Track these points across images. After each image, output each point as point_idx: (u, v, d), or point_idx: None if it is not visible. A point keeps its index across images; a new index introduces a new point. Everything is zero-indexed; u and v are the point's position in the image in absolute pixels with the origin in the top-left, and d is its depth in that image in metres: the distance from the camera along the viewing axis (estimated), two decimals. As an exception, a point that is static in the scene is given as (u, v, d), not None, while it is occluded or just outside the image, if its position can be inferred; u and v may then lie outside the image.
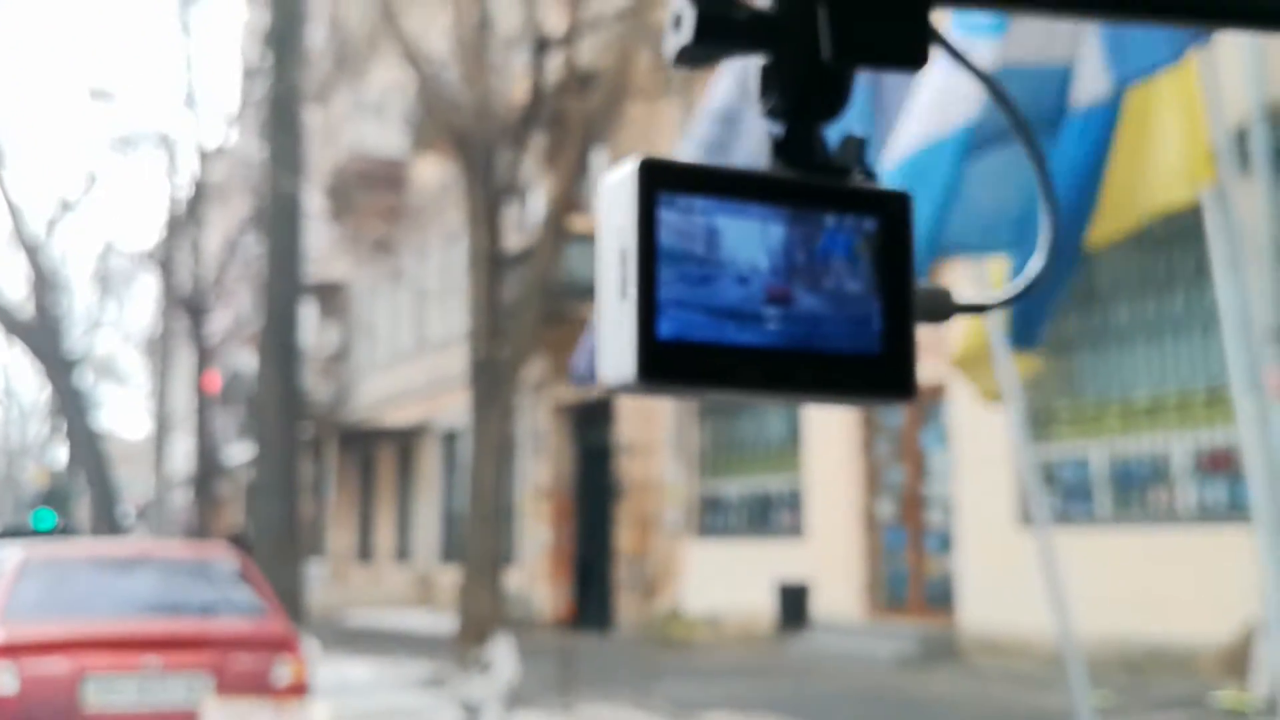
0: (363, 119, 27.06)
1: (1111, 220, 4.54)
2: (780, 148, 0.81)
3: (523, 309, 13.05)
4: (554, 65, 13.09)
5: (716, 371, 0.74)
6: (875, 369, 0.78)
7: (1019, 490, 11.08)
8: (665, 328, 0.73)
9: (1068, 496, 11.09)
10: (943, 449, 12.45)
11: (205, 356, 24.16)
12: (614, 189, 0.75)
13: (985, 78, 0.87)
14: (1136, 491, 10.64)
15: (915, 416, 12.85)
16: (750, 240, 0.76)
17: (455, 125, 13.33)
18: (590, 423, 18.47)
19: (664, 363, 0.73)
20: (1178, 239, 9.44)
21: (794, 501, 14.63)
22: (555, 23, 13.19)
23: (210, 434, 24.78)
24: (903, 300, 0.79)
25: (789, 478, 14.72)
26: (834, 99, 0.81)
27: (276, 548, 17.79)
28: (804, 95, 0.80)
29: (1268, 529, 4.51)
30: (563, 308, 15.98)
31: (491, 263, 13.15)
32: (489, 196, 13.21)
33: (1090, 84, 4.13)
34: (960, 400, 11.72)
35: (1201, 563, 9.55)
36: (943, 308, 0.84)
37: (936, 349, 11.84)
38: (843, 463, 13.48)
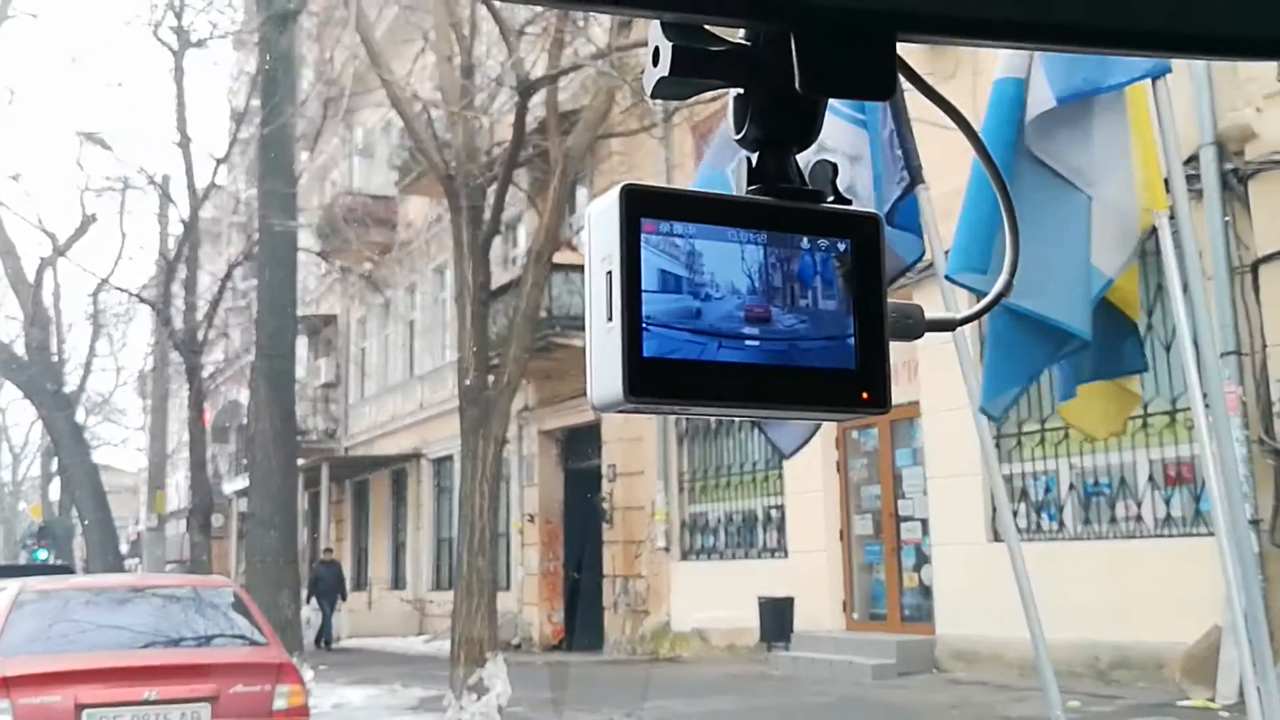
0: (351, 158, 27.43)
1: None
2: (755, 174, 0.82)
3: (510, 340, 13.36)
4: (536, 104, 13.43)
5: (701, 389, 0.76)
6: (852, 384, 0.80)
7: (991, 506, 11.41)
8: (650, 347, 0.75)
9: (1037, 511, 11.41)
10: (917, 468, 12.75)
11: (199, 391, 24.37)
12: (599, 216, 0.77)
13: (949, 105, 0.90)
14: (1103, 505, 10.93)
15: (889, 437, 13.18)
16: (730, 262, 0.77)
17: (442, 164, 13.67)
18: (577, 449, 18.74)
19: (650, 381, 0.74)
20: (1138, 261, 9.78)
21: (776, 521, 14.94)
22: (537, 63, 13.55)
23: (205, 467, 24.96)
24: (876, 318, 0.81)
25: (770, 499, 15.03)
26: (806, 128, 0.83)
27: (276, 577, 18.01)
28: (777, 125, 0.83)
29: (1228, 538, 4.76)
30: (549, 338, 16.32)
31: (479, 295, 13.46)
32: (476, 232, 13.53)
33: (1038, 100, 4.21)
34: (932, 420, 12.06)
35: (1166, 572, 9.71)
36: (914, 325, 0.87)
37: (910, 371, 12.24)
38: (821, 483, 13.79)
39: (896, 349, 0.85)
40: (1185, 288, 4.69)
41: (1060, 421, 11.10)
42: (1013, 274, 0.89)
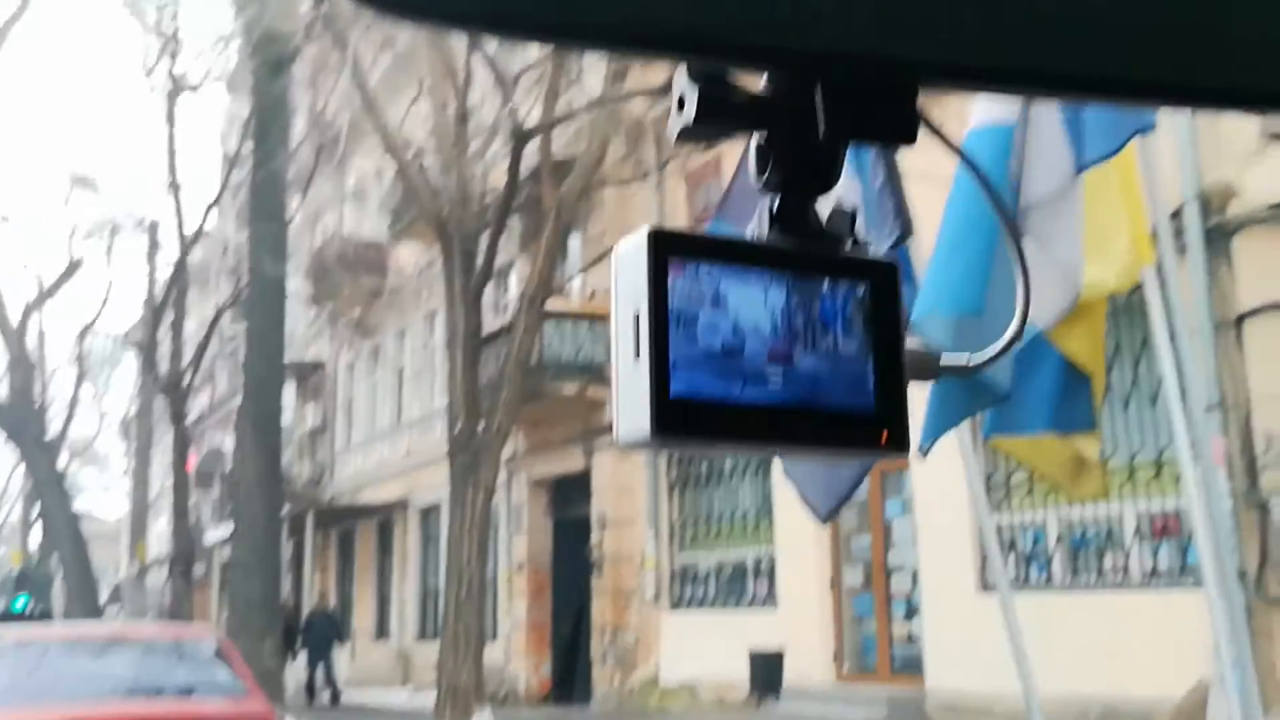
0: (344, 203, 27.54)
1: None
2: (777, 219, 0.84)
3: (501, 386, 13.39)
4: (530, 152, 13.56)
5: (725, 427, 0.77)
6: (871, 425, 0.81)
7: (980, 557, 11.43)
8: (677, 386, 0.76)
9: (1026, 562, 11.43)
10: (906, 518, 12.76)
11: (184, 436, 24.29)
12: (627, 257, 0.78)
13: (962, 154, 0.93)
14: (1091, 556, 10.96)
15: (879, 487, 13.21)
16: (753, 304, 0.79)
17: (435, 211, 13.76)
18: (567, 497, 18.68)
19: (677, 419, 0.76)
20: (1123, 313, 9.87)
21: (766, 572, 14.91)
22: (532, 111, 13.69)
23: (188, 514, 24.83)
24: (894, 360, 0.83)
25: (761, 549, 15.01)
26: (826, 175, 0.85)
27: (258, 627, 17.87)
28: (798, 171, 0.84)
29: (1216, 590, 4.79)
30: (540, 385, 16.34)
31: (470, 341, 13.51)
32: (468, 278, 13.60)
33: (1057, 166, 4.26)
34: (922, 471, 12.09)
35: (1155, 624, 9.71)
36: (930, 367, 0.89)
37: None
38: (812, 533, 13.73)
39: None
40: (1172, 338, 4.77)
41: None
42: (1024, 320, 0.91)
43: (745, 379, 0.78)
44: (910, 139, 0.84)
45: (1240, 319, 9.28)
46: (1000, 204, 0.96)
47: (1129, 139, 4.40)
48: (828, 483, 5.21)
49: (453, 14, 0.73)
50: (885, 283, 0.84)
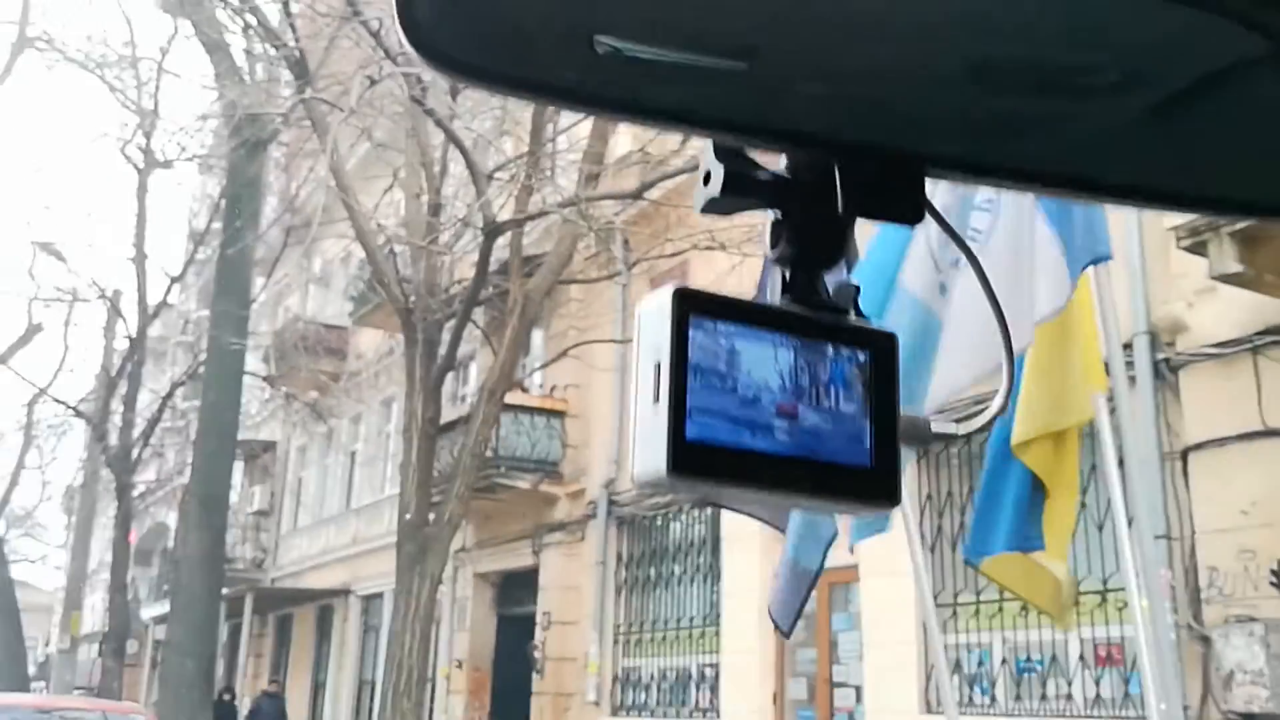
0: (307, 286, 27.59)
1: (1026, 425, 4.72)
2: (789, 288, 0.90)
3: (455, 477, 13.34)
4: (500, 246, 13.70)
5: (734, 472, 0.82)
6: (866, 480, 0.87)
7: (925, 677, 11.42)
8: (693, 430, 0.81)
9: (970, 684, 11.41)
10: (853, 633, 12.73)
11: (128, 510, 23.93)
12: (653, 311, 0.84)
13: (957, 236, 1.01)
14: (1035, 682, 10.97)
15: (827, 600, 13.19)
16: (764, 362, 0.84)
17: (401, 298, 13.83)
18: (513, 594, 18.49)
19: (691, 462, 0.81)
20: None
21: (710, 681, 14.77)
22: (505, 206, 13.85)
23: (126, 588, 24.36)
24: (889, 422, 0.88)
25: (706, 657, 14.89)
26: (835, 251, 0.92)
27: (189, 709, 17.48)
28: (810, 246, 0.91)
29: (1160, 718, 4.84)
30: (493, 478, 16.29)
31: (427, 429, 13.49)
32: (430, 366, 13.63)
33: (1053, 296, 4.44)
34: (870, 586, 12.12)
35: None
36: (922, 434, 0.94)
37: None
38: (757, 644, 13.69)
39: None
40: (1121, 466, 4.87)
41: (995, 594, 11.23)
42: (1009, 394, 0.98)
43: (754, 429, 0.83)
44: (916, 219, 0.92)
45: (1186, 452, 9.45)
46: (989, 288, 1.02)
47: (1085, 267, 4.56)
48: (787, 596, 5.33)
49: (501, 78, 0.81)
50: (885, 352, 0.90)
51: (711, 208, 0.90)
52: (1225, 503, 9.03)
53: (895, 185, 0.91)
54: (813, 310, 0.89)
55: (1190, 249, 8.30)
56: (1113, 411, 4.75)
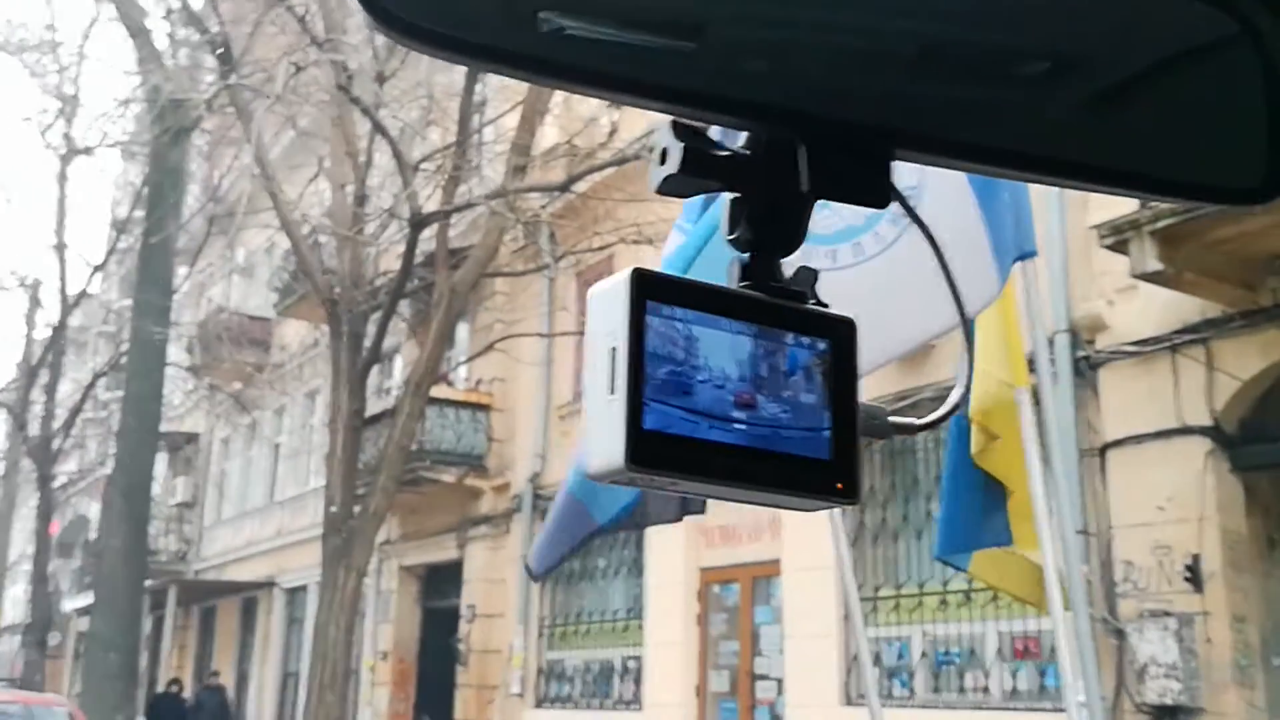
0: (231, 276, 27.21)
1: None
2: (746, 272, 0.87)
3: (380, 469, 13.22)
4: (426, 237, 13.57)
5: (694, 464, 0.79)
6: (825, 473, 0.84)
7: (845, 670, 11.51)
8: (650, 420, 0.78)
9: (889, 676, 11.51)
10: (775, 626, 12.79)
11: (49, 501, 23.48)
12: (607, 295, 0.81)
13: (921, 223, 0.97)
14: (953, 674, 11.10)
15: (750, 593, 13.26)
16: (722, 350, 0.81)
17: (325, 289, 13.67)
18: (438, 587, 18.40)
19: (649, 452, 0.78)
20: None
21: (634, 673, 14.79)
22: (431, 198, 13.73)
23: (47, 580, 23.92)
24: (849, 414, 0.86)
25: (629, 649, 14.90)
26: (793, 234, 0.89)
27: (112, 701, 17.22)
28: (768, 230, 0.88)
29: (1075, 712, 4.89)
30: (418, 471, 16.17)
31: (352, 422, 13.36)
32: (355, 359, 13.49)
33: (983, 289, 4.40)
34: (792, 580, 12.19)
35: None
36: (881, 426, 0.92)
37: (774, 530, 12.40)
38: (681, 636, 13.73)
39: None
40: (1043, 462, 4.92)
41: (914, 588, 11.36)
42: (967, 388, 0.98)
43: (712, 420, 0.80)
44: (883, 203, 0.88)
45: (1104, 449, 9.58)
46: (953, 283, 1.00)
47: (1013, 263, 4.59)
48: (554, 538, 5.22)
49: (459, 45, 0.77)
50: (844, 339, 0.87)
51: (667, 187, 0.86)
52: (1141, 499, 9.17)
53: (861, 166, 0.87)
54: (771, 295, 0.86)
55: (1112, 247, 8.41)
56: (1036, 403, 4.79)
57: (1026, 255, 4.71)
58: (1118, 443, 9.50)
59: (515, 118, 13.69)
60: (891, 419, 0.93)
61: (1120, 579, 9.32)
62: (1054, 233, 9.77)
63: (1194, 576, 8.81)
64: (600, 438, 0.78)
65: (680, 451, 0.79)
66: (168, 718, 20.06)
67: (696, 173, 0.85)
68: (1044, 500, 4.63)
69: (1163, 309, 9.16)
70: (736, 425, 0.81)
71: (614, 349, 0.78)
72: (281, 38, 14.02)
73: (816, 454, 0.84)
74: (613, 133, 13.69)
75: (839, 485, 0.85)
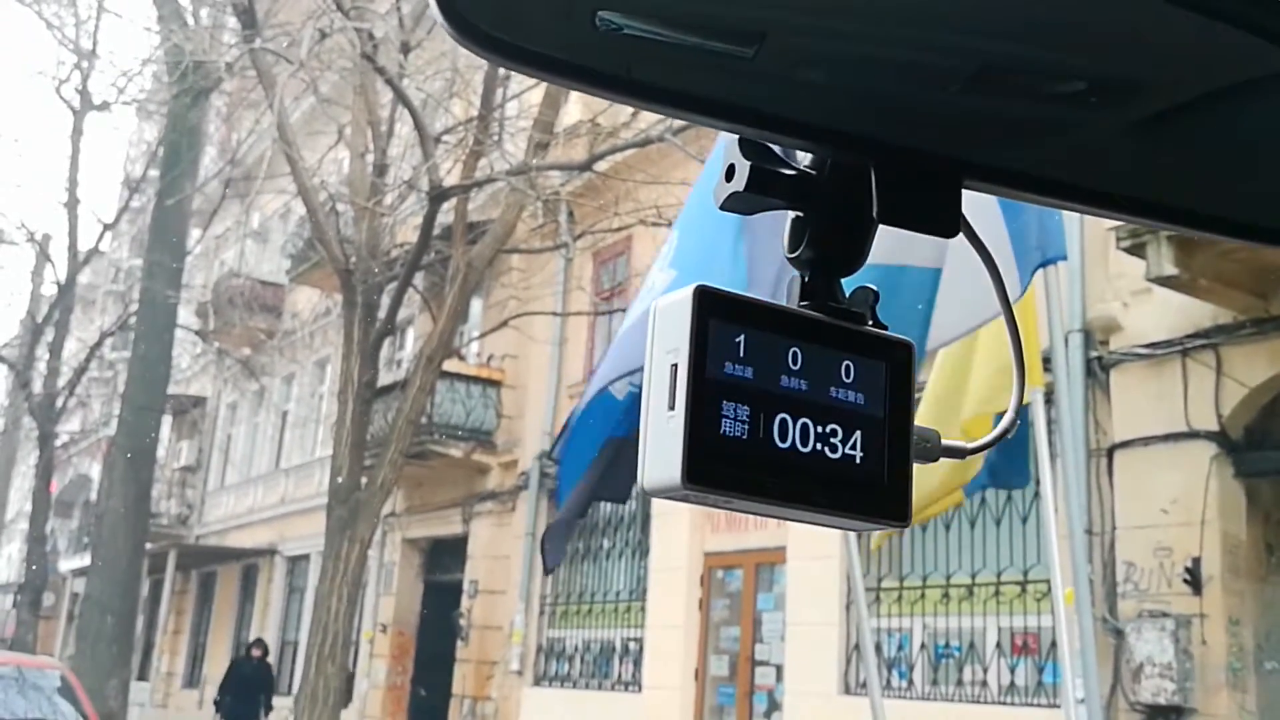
0: (244, 240, 27.20)
1: (970, 411, 4.93)
2: (806, 292, 0.87)
3: (389, 442, 13.24)
4: (445, 210, 13.58)
5: (750, 483, 0.79)
6: (879, 495, 0.84)
7: (845, 659, 11.57)
8: (708, 439, 0.78)
9: (889, 667, 11.58)
10: (777, 613, 12.83)
11: (50, 460, 23.50)
12: (671, 310, 0.81)
13: (985, 252, 0.96)
14: (952, 667, 11.16)
15: (753, 579, 13.31)
16: (782, 370, 0.82)
17: (341, 258, 13.68)
18: (441, 561, 18.45)
19: (707, 471, 0.78)
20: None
21: (634, 654, 14.86)
22: (451, 171, 13.73)
23: (44, 540, 23.95)
24: (904, 437, 0.86)
25: (630, 630, 14.97)
26: (854, 256, 0.89)
27: (107, 664, 17.26)
28: (830, 250, 0.88)
29: (1073, 709, 4.94)
30: (427, 445, 16.21)
31: (363, 393, 13.38)
32: (368, 329, 13.50)
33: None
34: (796, 567, 12.25)
35: None
36: (931, 449, 0.91)
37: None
38: (683, 619, 13.79)
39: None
40: (1053, 461, 4.95)
41: (917, 581, 11.41)
42: (1018, 412, 0.97)
43: (770, 441, 0.80)
44: (952, 232, 0.88)
45: (1112, 450, 9.62)
46: (1007, 306, 1.01)
47: (1038, 268, 4.62)
48: (556, 539, 5.28)
49: (535, 60, 0.77)
50: (901, 362, 0.87)
51: (732, 204, 0.87)
52: (1146, 500, 9.22)
53: (933, 194, 0.87)
54: (831, 316, 0.86)
55: (1129, 250, 8.45)
56: (1049, 401, 4.82)
57: (1054, 260, 4.73)
58: (1125, 444, 9.54)
59: (539, 93, 13.67)
60: (945, 443, 0.92)
61: (1121, 579, 9.37)
62: (1072, 234, 9.79)
63: (1193, 579, 8.86)
64: (658, 453, 0.78)
65: (737, 471, 0.79)
66: (247, 690, 17.68)
67: (763, 191, 0.86)
68: (1051, 498, 4.71)
69: (1176, 313, 9.19)
70: (793, 446, 0.81)
71: (675, 365, 0.79)
72: (306, 1, 14.00)
73: (871, 476, 0.84)
74: (635, 113, 13.68)
75: (891, 507, 0.85)
